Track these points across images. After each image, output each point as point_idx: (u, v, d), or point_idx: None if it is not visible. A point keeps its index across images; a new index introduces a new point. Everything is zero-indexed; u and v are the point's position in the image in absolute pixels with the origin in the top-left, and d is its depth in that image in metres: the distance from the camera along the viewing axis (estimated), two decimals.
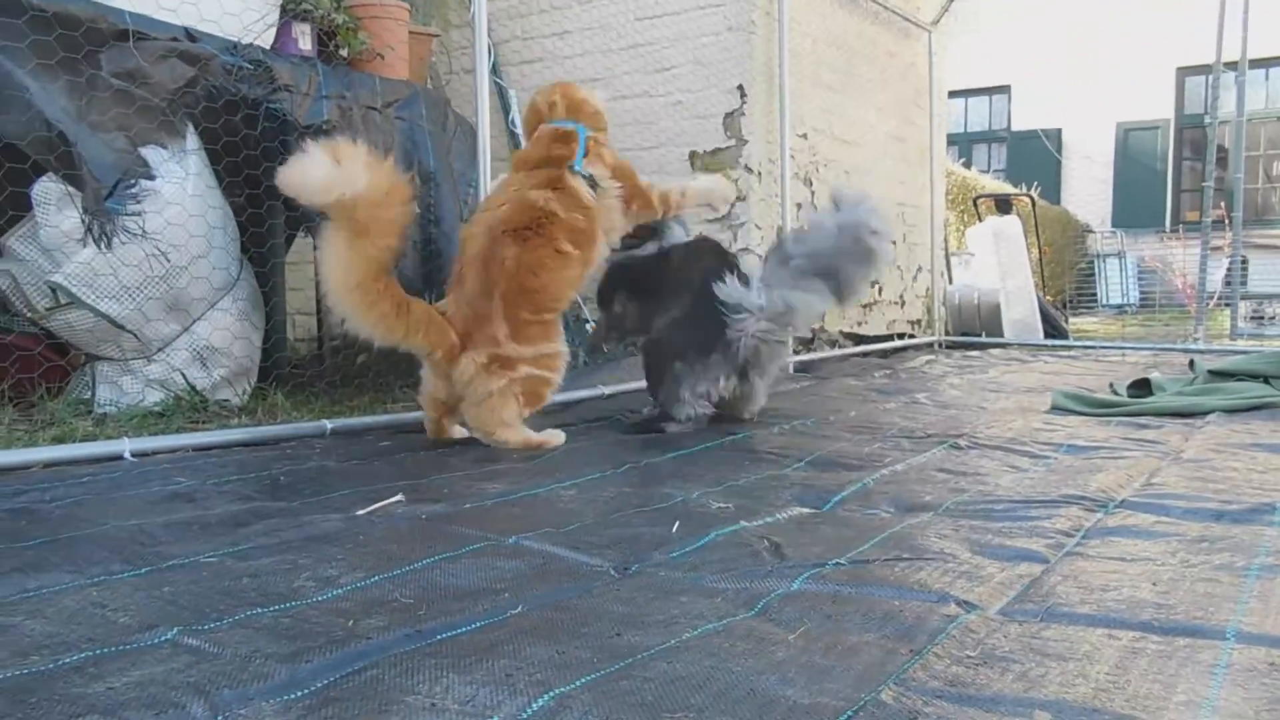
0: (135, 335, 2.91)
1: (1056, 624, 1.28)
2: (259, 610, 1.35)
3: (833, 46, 5.61)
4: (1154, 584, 1.45)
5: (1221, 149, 10.41)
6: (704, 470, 2.37)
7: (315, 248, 4.64)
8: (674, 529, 1.77)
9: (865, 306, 6.07)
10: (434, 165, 3.86)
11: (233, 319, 3.18)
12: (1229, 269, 7.98)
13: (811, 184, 5.46)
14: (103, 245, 2.67)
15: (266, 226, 3.55)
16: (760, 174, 4.97)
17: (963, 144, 15.69)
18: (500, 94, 5.36)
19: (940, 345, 6.69)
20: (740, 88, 4.92)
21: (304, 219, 3.63)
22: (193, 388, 3.03)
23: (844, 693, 1.06)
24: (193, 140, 3.04)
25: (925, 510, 1.95)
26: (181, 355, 3.05)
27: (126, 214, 2.75)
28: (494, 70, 5.39)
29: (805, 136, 5.37)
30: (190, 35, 2.99)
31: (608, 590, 1.45)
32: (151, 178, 2.84)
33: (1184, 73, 14.16)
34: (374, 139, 3.57)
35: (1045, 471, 2.33)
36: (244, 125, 3.19)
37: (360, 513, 1.91)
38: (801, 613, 1.34)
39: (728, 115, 4.94)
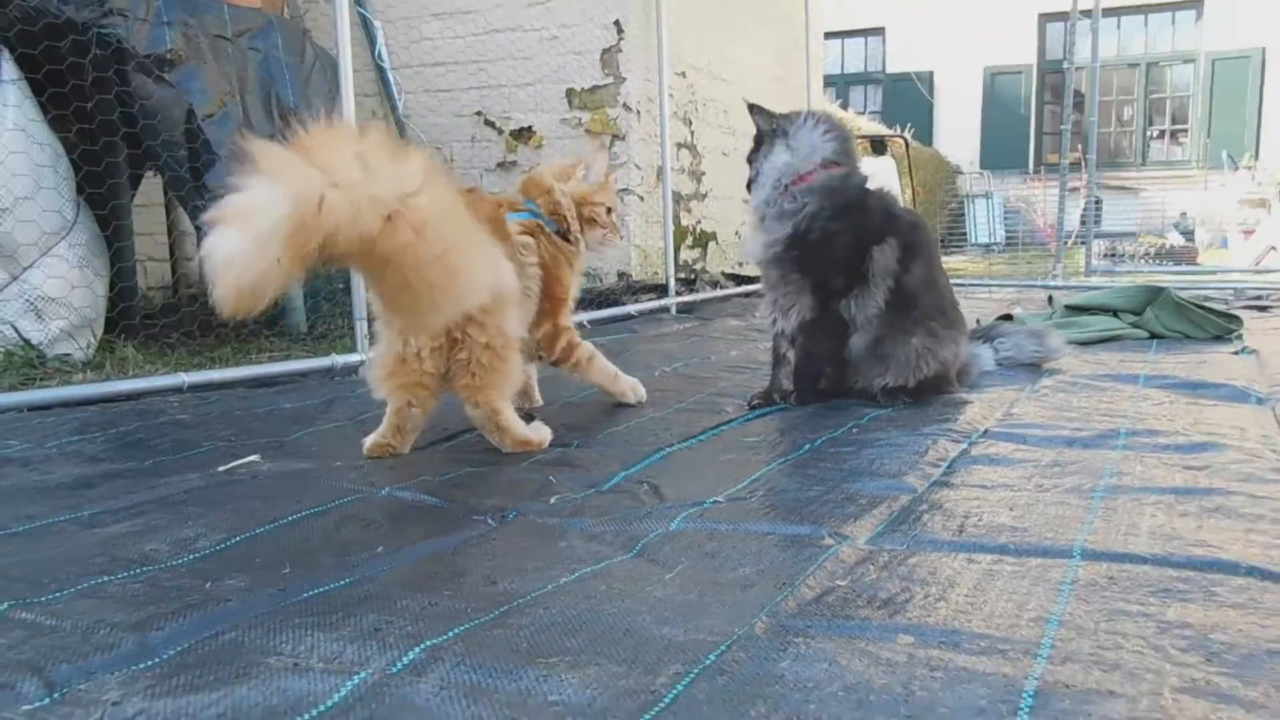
0: None
1: (922, 551, 1.32)
2: (105, 578, 1.26)
3: None
4: (1011, 509, 1.51)
5: (1078, 94, 10.87)
6: (581, 419, 2.34)
7: (166, 189, 4.39)
8: (551, 478, 1.75)
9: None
10: (294, 100, 3.65)
11: (70, 266, 2.95)
12: (1084, 209, 8.39)
13: (691, 123, 5.43)
14: None
15: (105, 165, 3.28)
16: (639, 112, 4.91)
17: (839, 86, 15.92)
18: (365, 25, 5.11)
19: None
20: (617, 23, 4.82)
21: (148, 155, 3.37)
22: (27, 342, 2.80)
23: (718, 628, 1.06)
24: (9, 69, 2.77)
25: (800, 446, 1.98)
26: (12, 306, 2.81)
27: None
28: (358, 0, 5.12)
29: (684, 75, 5.32)
30: None
31: (484, 540, 1.41)
32: None
33: (1045, 19, 14.69)
34: (226, 70, 3.34)
35: (915, 405, 2.40)
36: (72, 53, 2.92)
37: (221, 469, 1.81)
38: (678, 552, 1.33)
39: (605, 51, 4.84)
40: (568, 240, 2.26)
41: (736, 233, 6.03)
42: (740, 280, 5.95)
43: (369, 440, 1.95)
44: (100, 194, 3.21)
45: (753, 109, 2.48)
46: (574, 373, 2.36)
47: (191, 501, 1.61)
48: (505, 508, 1.56)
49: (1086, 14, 7.60)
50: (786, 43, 6.58)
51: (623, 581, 1.22)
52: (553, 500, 1.61)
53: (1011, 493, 1.61)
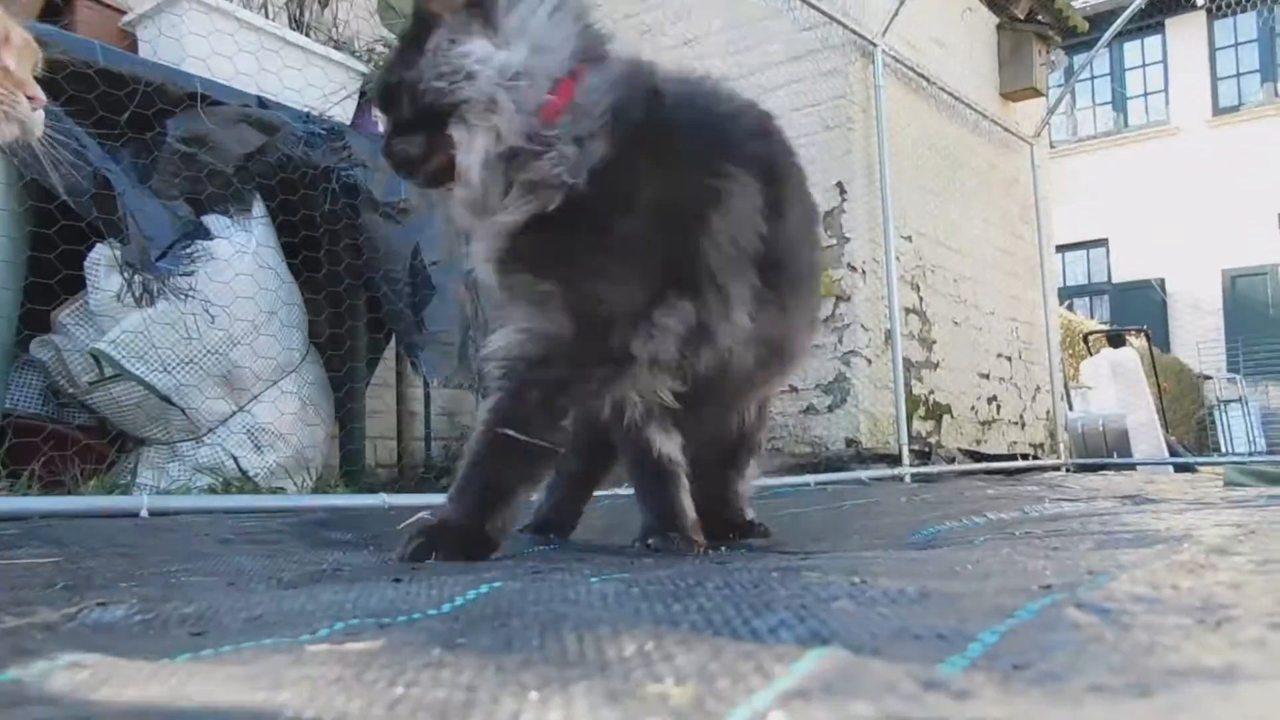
0: (184, 411, 2.64)
1: None
2: None
3: (933, 151, 5.37)
4: None
5: None
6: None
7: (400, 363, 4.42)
8: None
9: (984, 424, 5.52)
10: None
11: (295, 403, 2.91)
12: None
13: (919, 289, 5.09)
14: (145, 303, 2.44)
15: (347, 327, 3.30)
16: (865, 273, 4.64)
17: (1063, 297, 15.16)
18: None
19: (1069, 468, 6.02)
20: (839, 185, 4.67)
21: (391, 319, 3.27)
22: (244, 473, 2.72)
23: None
24: (259, 209, 2.87)
25: None
26: (235, 437, 2.76)
27: (179, 274, 2.54)
28: None
29: (910, 239, 5.05)
30: (262, 102, 2.88)
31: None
32: (209, 238, 2.65)
33: None
34: None
35: None
36: (320, 202, 3.01)
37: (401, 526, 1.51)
38: None
39: (827, 214, 4.67)
40: None
41: (973, 407, 5.47)
42: (978, 457, 5.32)
43: None
44: (339, 355, 3.19)
45: None
46: None
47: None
48: None
49: None
50: (1014, 217, 6.20)
51: None
52: None
53: None
